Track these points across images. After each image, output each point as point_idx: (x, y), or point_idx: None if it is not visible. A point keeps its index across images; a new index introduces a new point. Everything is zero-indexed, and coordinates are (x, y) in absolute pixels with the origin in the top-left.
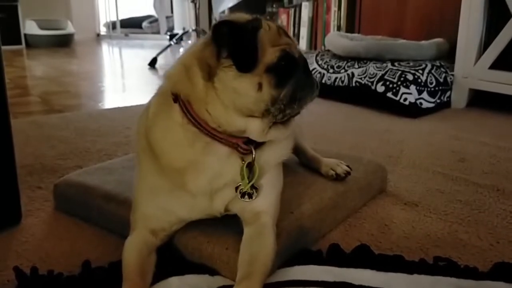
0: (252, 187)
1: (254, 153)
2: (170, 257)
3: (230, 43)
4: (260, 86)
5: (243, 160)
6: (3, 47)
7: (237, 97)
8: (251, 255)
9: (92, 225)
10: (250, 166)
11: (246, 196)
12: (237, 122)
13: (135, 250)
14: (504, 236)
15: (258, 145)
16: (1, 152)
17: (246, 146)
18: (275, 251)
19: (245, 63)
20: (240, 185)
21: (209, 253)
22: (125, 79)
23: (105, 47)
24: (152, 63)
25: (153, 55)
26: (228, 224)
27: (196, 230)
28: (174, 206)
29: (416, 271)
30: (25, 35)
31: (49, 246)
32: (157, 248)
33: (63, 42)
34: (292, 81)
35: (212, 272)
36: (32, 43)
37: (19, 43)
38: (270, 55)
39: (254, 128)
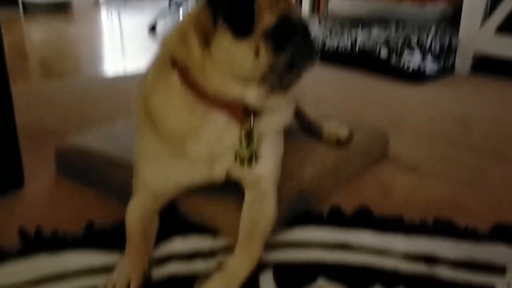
0: (251, 155)
1: (252, 120)
2: (173, 219)
3: (226, 8)
4: (257, 52)
5: (242, 128)
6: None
7: (234, 63)
8: (252, 219)
9: (94, 188)
10: (249, 134)
11: (246, 164)
12: (235, 89)
13: (138, 214)
14: (504, 200)
15: (257, 112)
16: (2, 117)
17: (245, 113)
18: (275, 216)
19: (241, 27)
20: (239, 152)
21: (211, 215)
22: (125, 44)
23: (104, 13)
24: (152, 28)
25: (153, 19)
26: (230, 188)
27: (198, 193)
28: (175, 172)
29: (415, 232)
30: (23, 2)
31: (52, 209)
32: (158, 211)
33: (62, 8)
34: (290, 47)
35: (214, 233)
36: (31, 9)
37: (15, 4)
38: (267, 20)
39: (252, 95)
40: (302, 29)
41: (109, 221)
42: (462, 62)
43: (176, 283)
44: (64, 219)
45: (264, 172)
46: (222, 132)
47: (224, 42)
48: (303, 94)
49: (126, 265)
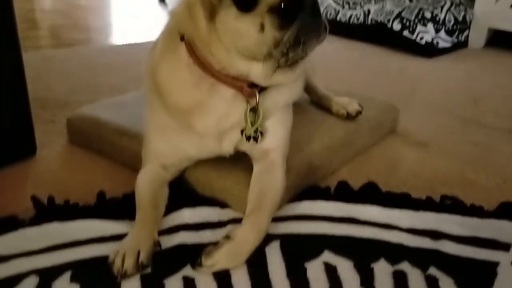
0: (257, 130)
1: (258, 97)
2: (183, 190)
3: None
4: (262, 27)
5: (248, 103)
6: None
7: (239, 38)
8: (260, 189)
9: (106, 158)
10: (255, 110)
11: (252, 140)
12: (240, 65)
13: (148, 182)
14: None
15: (263, 88)
16: (14, 86)
17: (251, 89)
18: (283, 186)
19: (245, 2)
20: (245, 128)
21: (220, 187)
22: (135, 14)
23: None
24: None
25: None
26: (238, 160)
27: (207, 165)
28: (184, 144)
29: (422, 208)
30: None
31: (65, 178)
32: (168, 181)
33: None
34: (296, 23)
35: (223, 205)
36: None
37: None
38: None
39: (257, 72)
40: (310, 4)
41: (120, 189)
42: (477, 36)
43: (184, 251)
44: (76, 187)
45: (273, 144)
46: (229, 107)
47: (229, 16)
48: (314, 68)
49: (135, 234)
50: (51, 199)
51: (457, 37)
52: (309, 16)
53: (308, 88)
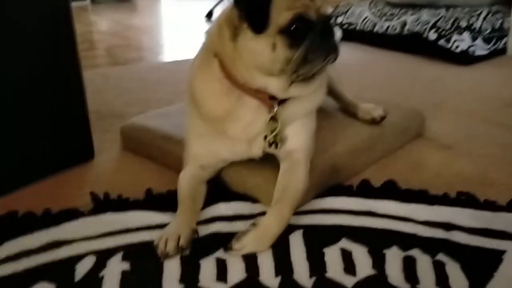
0: (277, 137)
1: (276, 107)
2: (219, 188)
3: (245, 7)
4: (274, 47)
5: (270, 113)
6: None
7: (255, 56)
8: (284, 185)
9: (153, 161)
10: (274, 119)
11: (273, 145)
12: (258, 80)
13: (188, 180)
14: None
15: (283, 99)
16: (75, 100)
17: (271, 101)
18: (305, 182)
19: (256, 25)
20: (267, 135)
21: (251, 184)
22: (183, 32)
23: (164, 0)
24: (209, 16)
25: (211, 7)
26: (267, 160)
27: (240, 165)
28: (218, 148)
29: (437, 203)
30: None
31: (118, 178)
32: (206, 180)
33: None
34: (306, 43)
35: (254, 200)
36: None
37: None
38: (283, 17)
39: (274, 86)
40: (321, 25)
41: (165, 187)
42: None
43: (218, 238)
44: (128, 186)
45: (296, 145)
46: (254, 116)
47: (247, 37)
48: (339, 77)
49: (177, 222)
50: (106, 194)
51: (495, 44)
52: (318, 36)
53: (336, 96)
